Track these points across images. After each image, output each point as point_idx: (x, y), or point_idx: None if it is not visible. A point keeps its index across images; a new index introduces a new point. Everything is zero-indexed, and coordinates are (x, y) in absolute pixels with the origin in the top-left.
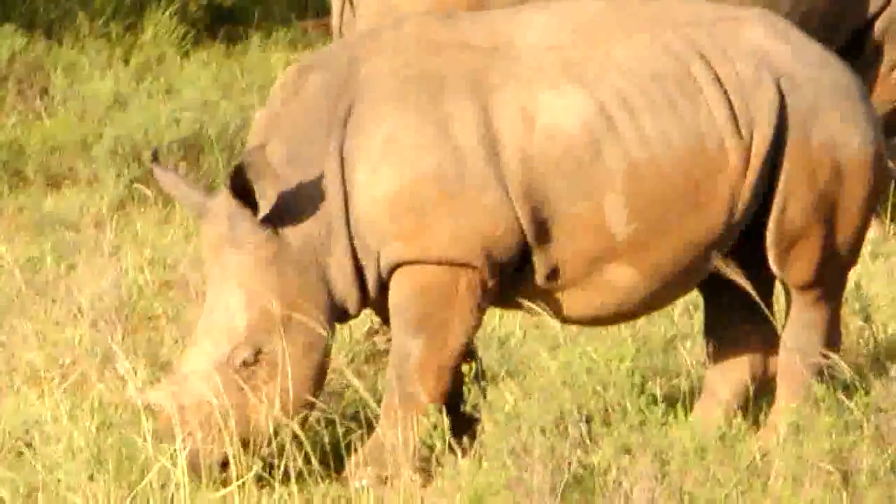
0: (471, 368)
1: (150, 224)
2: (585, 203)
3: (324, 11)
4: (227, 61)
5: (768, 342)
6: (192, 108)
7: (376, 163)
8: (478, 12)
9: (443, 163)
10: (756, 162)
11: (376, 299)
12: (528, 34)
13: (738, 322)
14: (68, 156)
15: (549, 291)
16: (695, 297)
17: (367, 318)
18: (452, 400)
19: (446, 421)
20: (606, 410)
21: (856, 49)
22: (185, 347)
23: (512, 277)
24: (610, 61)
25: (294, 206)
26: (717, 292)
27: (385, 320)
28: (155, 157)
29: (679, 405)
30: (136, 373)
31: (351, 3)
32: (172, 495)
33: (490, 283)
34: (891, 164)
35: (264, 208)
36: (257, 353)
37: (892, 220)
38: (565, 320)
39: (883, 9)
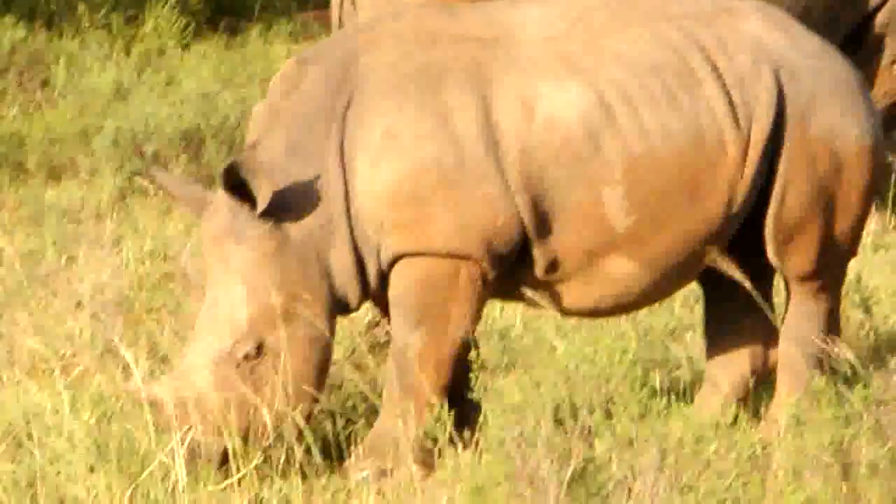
0: (478, 356)
1: (151, 216)
2: (585, 194)
3: (324, 3)
4: (228, 53)
5: (768, 334)
6: (193, 99)
7: (376, 155)
8: (477, 4)
9: (443, 154)
10: (755, 154)
11: (377, 292)
12: (528, 25)
13: (738, 314)
14: (69, 147)
15: (549, 283)
16: (695, 288)
17: (368, 310)
18: (453, 391)
19: (447, 413)
20: (608, 402)
21: (856, 43)
22: (187, 341)
23: (512, 269)
24: (609, 53)
25: (295, 199)
26: (716, 285)
27: (385, 312)
28: (151, 159)
29: (680, 397)
30: (137, 364)
31: None
32: (173, 487)
33: (490, 275)
34: (890, 157)
35: (261, 205)
36: (259, 346)
37: (892, 212)
38: (565, 312)
39: (884, 2)
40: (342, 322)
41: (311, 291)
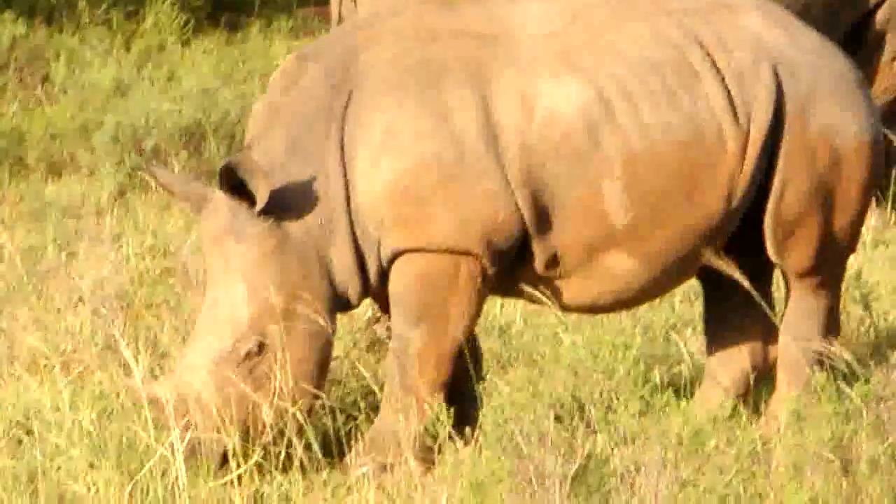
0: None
1: (151, 211)
2: (584, 190)
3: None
4: (228, 49)
5: (768, 330)
6: (193, 95)
7: (376, 151)
8: (476, 0)
9: (442, 151)
10: (754, 149)
11: (377, 288)
12: (527, 22)
13: (738, 310)
14: (69, 143)
15: (549, 279)
16: (695, 284)
17: (368, 306)
18: (453, 387)
19: (447, 409)
20: (610, 398)
21: (856, 40)
22: (187, 338)
23: (512, 265)
24: (608, 49)
25: (295, 197)
26: (716, 281)
27: (385, 309)
28: (151, 155)
29: (681, 392)
30: (137, 361)
31: None
32: (173, 483)
33: (490, 271)
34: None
35: (260, 204)
36: (261, 345)
37: (892, 208)
38: (564, 308)
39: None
40: (342, 318)
41: (311, 289)
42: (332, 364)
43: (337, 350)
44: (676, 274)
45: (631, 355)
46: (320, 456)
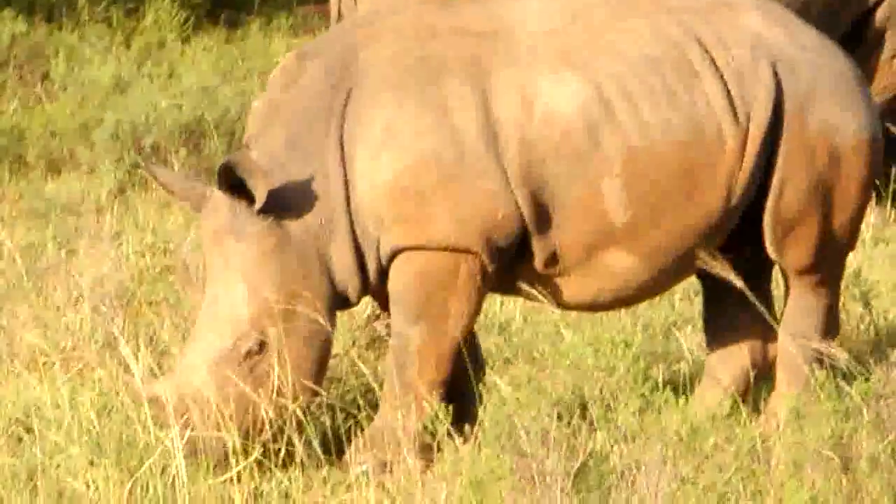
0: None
1: (151, 209)
2: (584, 188)
3: None
4: (228, 47)
5: (768, 328)
6: (193, 93)
7: (376, 149)
8: None
9: (442, 149)
10: (753, 147)
11: (376, 286)
12: (527, 19)
13: (737, 308)
14: (69, 141)
15: (549, 277)
16: (695, 281)
17: (367, 304)
18: (452, 385)
19: (446, 407)
20: (610, 395)
21: (856, 38)
22: (187, 336)
23: (511, 263)
24: (608, 47)
25: (295, 195)
26: (716, 279)
27: (385, 307)
28: (151, 153)
29: (680, 390)
30: (137, 358)
31: None
32: (173, 481)
33: (490, 269)
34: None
35: (259, 203)
36: (262, 343)
37: (892, 205)
38: (564, 306)
39: None
40: (342, 316)
41: (311, 287)
42: (332, 362)
43: (336, 348)
44: (676, 272)
45: (631, 353)
46: (320, 453)
